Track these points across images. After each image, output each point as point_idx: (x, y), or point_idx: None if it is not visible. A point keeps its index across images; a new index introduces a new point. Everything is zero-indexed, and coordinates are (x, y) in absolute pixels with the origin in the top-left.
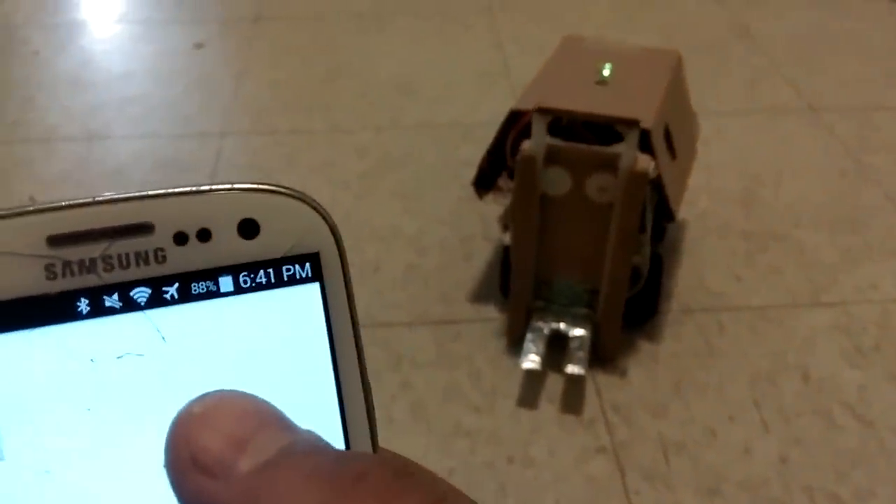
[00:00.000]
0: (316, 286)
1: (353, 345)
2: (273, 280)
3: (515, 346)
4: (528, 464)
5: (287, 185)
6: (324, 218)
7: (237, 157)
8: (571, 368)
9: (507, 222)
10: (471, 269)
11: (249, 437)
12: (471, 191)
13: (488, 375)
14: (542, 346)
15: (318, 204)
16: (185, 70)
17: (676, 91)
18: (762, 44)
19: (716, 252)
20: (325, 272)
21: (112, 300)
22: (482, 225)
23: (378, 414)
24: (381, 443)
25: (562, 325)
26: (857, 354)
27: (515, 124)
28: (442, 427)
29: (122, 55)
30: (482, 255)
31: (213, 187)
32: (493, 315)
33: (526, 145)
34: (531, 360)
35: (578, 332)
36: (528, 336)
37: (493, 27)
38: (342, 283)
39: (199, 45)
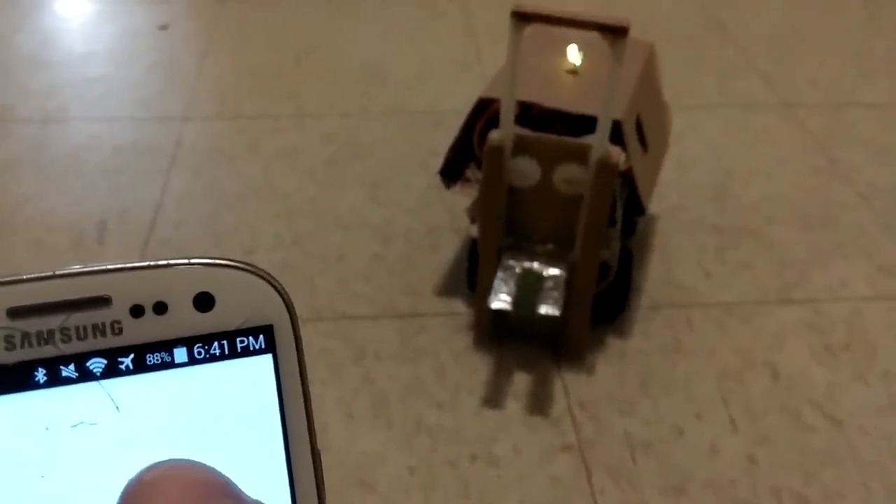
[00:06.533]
0: (269, 357)
1: (304, 415)
2: (227, 352)
3: (482, 341)
4: (492, 462)
5: (242, 260)
6: (278, 291)
7: (199, 143)
8: (545, 309)
9: (474, 214)
10: (437, 260)
11: None
12: (439, 180)
13: (453, 371)
14: (513, 286)
15: (273, 277)
16: (149, 51)
17: (649, 82)
18: (736, 38)
19: (686, 247)
20: (278, 344)
21: (68, 370)
22: (450, 216)
23: (338, 409)
24: (342, 441)
25: (535, 265)
26: (827, 353)
27: (483, 113)
28: (403, 424)
29: (83, 34)
30: (449, 246)
31: (171, 262)
32: (459, 309)
33: (493, 135)
34: (501, 300)
35: (553, 271)
36: (499, 275)
37: (466, 14)
38: (294, 355)
39: (163, 27)
